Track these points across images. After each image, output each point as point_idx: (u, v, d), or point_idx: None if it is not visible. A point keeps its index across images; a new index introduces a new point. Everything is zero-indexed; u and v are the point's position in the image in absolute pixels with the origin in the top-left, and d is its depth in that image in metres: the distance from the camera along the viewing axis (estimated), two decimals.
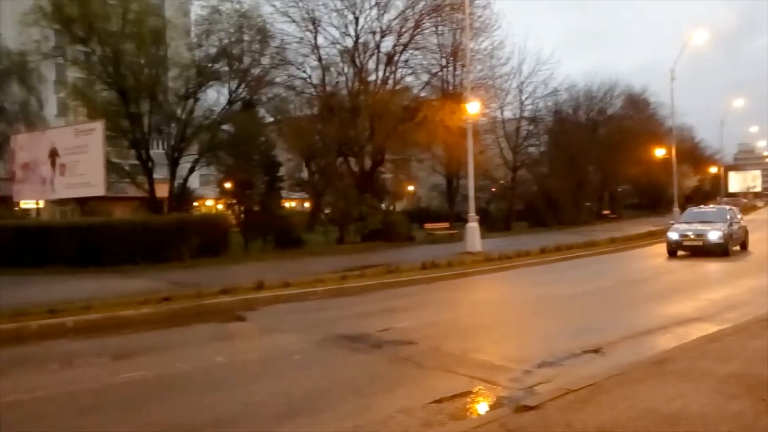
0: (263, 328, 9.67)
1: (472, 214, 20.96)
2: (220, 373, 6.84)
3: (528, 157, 43.21)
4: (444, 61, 30.21)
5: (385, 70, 28.75)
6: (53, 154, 21.65)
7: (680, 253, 18.62)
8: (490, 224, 32.75)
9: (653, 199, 62.17)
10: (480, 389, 5.86)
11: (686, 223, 19.68)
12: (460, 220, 27.15)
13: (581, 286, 13.28)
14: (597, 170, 50.60)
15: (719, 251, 17.77)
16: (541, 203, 40.45)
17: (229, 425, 5.10)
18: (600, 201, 54.49)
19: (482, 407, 5.45)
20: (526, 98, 40.20)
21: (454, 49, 29.56)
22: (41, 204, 27.74)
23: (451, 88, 30.52)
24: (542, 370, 6.48)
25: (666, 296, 12.04)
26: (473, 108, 22.15)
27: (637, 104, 56.62)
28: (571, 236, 25.30)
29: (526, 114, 41.27)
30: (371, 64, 28.87)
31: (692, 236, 18.36)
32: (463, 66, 27.05)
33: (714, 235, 17.99)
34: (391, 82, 28.99)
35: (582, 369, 6.42)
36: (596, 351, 7.27)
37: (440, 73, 30.63)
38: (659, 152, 45.35)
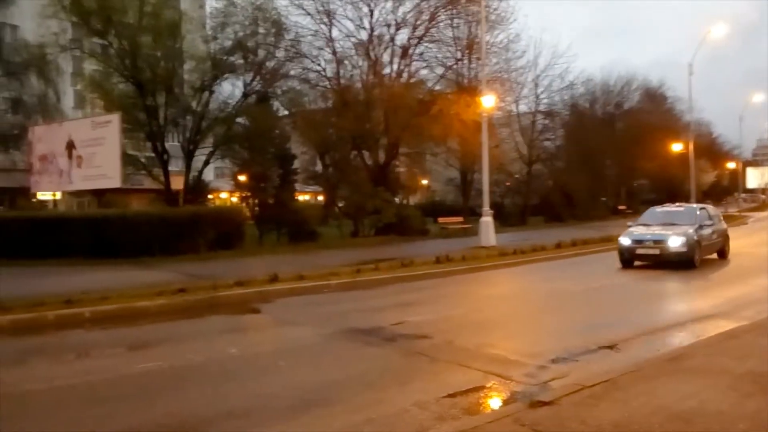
0: (277, 320, 9.71)
1: (486, 208, 20.87)
2: (233, 365, 6.88)
3: (544, 151, 42.97)
4: (459, 54, 30.09)
5: (399, 63, 28.72)
6: (70, 146, 21.85)
7: (637, 263, 14.99)
8: (505, 219, 32.61)
9: (670, 194, 61.53)
10: (494, 384, 5.83)
11: (644, 225, 15.76)
12: (475, 214, 27.09)
13: (596, 281, 13.18)
14: (614, 165, 50.24)
15: (682, 262, 14.12)
16: (556, 198, 40.23)
17: (242, 416, 5.12)
18: (616, 196, 54.04)
19: (496, 402, 5.43)
20: (542, 92, 39.99)
21: (469, 42, 29.43)
22: (58, 195, 28.04)
23: (466, 81, 30.40)
24: (556, 365, 6.43)
25: (682, 292, 11.93)
26: (488, 101, 22.02)
27: (654, 98, 56.06)
28: (587, 231, 25.11)
29: (541, 108, 41.10)
30: (386, 57, 28.85)
31: (648, 243, 14.63)
32: (478, 59, 26.93)
33: (675, 242, 14.20)
34: (405, 75, 28.95)
35: (597, 365, 6.37)
36: (611, 347, 7.21)
37: (455, 66, 30.51)
38: (676, 147, 44.85)
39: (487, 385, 5.78)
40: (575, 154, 43.50)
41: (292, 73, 28.62)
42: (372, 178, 27.77)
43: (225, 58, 26.50)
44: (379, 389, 5.79)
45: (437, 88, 30.13)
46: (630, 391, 5.05)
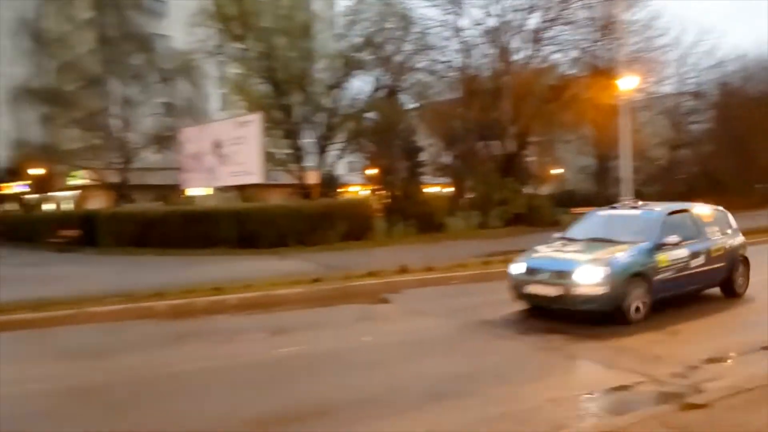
0: (407, 310, 9.81)
1: (625, 197, 19.70)
2: (366, 353, 7.04)
3: (689, 134, 39.80)
4: (594, 36, 28.57)
5: (529, 49, 27.81)
6: (216, 145, 23.49)
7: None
8: None
9: None
10: (638, 383, 5.48)
11: (568, 240, 9.51)
12: (611, 203, 25.73)
13: (754, 275, 11.93)
14: None
15: (601, 310, 7.87)
16: (703, 185, 37.12)
17: (375, 402, 5.24)
18: None
19: (641, 402, 5.09)
20: (688, 71, 36.98)
21: (605, 22, 27.83)
22: (208, 191, 30.25)
23: (602, 63, 28.82)
24: (710, 366, 5.92)
25: None
26: (627, 84, 20.71)
27: None
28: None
29: (687, 88, 38.00)
30: (515, 44, 28.01)
31: (545, 275, 8.26)
32: (615, 39, 25.46)
33: (586, 276, 7.84)
34: (536, 60, 27.99)
35: (757, 366, 5.78)
36: None
37: (590, 49, 29.03)
38: None
39: (631, 384, 5.45)
40: (725, 137, 39.83)
41: (419, 65, 28.74)
42: (500, 168, 27.21)
43: (354, 55, 27.18)
44: (512, 383, 5.65)
45: (570, 72, 28.88)
46: None
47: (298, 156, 27.46)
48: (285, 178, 29.38)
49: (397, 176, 25.49)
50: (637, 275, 8.06)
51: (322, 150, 27.84)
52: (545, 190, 43.24)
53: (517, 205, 25.24)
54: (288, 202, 26.36)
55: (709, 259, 9.10)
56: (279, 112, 26.48)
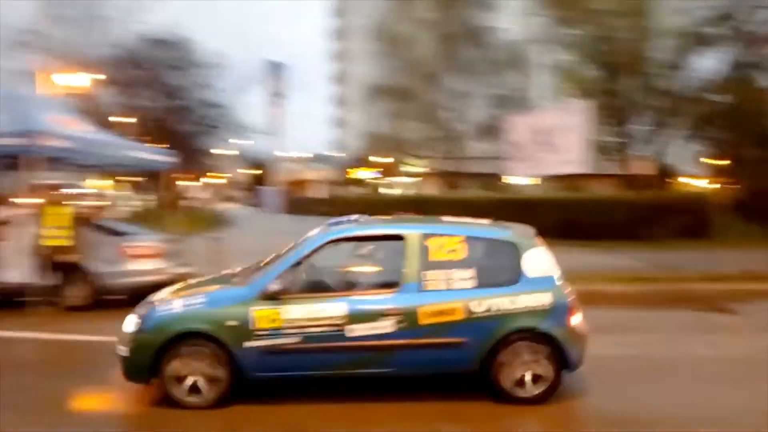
0: (755, 324, 8.42)
1: None
2: (707, 368, 6.28)
3: None
4: None
5: None
6: (540, 133, 23.36)
7: None
8: None
9: None
10: None
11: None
12: None
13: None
14: None
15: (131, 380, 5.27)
16: None
17: (713, 424, 4.71)
18: None
19: None
20: None
21: None
22: (530, 180, 30.44)
23: None
24: None
25: None
26: None
27: None
28: None
29: None
30: None
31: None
32: None
33: (125, 327, 5.36)
34: None
35: None
36: None
37: None
38: None
39: None
40: None
41: None
42: None
43: (702, 29, 24.12)
44: None
45: None
46: None
47: (626, 144, 25.73)
48: (611, 168, 27.91)
49: (751, 168, 21.87)
50: (200, 336, 4.98)
51: (655, 137, 25.59)
52: None
53: None
54: (614, 193, 24.97)
55: (412, 328, 5.07)
56: (607, 97, 25.12)
